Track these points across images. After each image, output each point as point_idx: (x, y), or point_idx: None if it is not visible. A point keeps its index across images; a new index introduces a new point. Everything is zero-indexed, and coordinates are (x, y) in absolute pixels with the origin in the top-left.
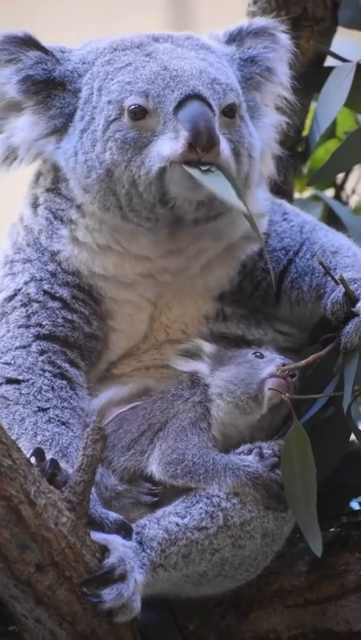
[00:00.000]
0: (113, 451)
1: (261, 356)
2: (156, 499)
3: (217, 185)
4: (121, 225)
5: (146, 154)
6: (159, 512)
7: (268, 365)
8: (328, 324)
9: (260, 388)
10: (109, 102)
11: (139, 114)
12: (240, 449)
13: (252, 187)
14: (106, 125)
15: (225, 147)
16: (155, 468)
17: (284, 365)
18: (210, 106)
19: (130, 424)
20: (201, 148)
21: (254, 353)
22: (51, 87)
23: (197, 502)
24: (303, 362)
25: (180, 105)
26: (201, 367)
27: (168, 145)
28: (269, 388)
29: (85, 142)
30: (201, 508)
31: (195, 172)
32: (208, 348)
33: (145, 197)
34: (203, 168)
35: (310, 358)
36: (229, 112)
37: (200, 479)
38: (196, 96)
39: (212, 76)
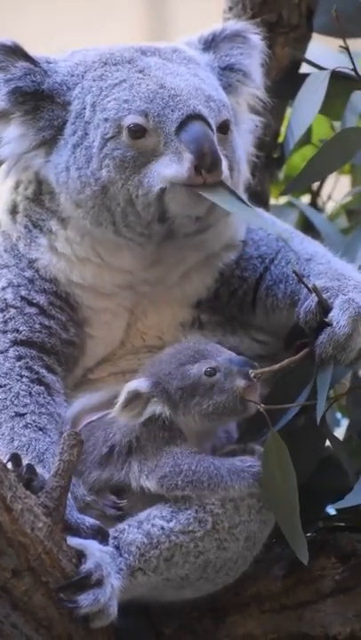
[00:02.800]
0: (85, 464)
1: (213, 371)
2: (120, 512)
3: (228, 203)
4: (112, 239)
5: (144, 173)
6: (142, 515)
7: (234, 379)
8: (302, 331)
9: (241, 401)
10: (106, 120)
11: (138, 133)
12: (226, 449)
13: (242, 195)
14: (102, 142)
15: (225, 166)
16: (148, 484)
17: (245, 369)
18: (209, 125)
19: (96, 438)
20: (206, 169)
21: (206, 372)
22: (39, 99)
23: (187, 509)
24: (277, 366)
25: (181, 125)
26: (155, 409)
27: (172, 167)
28: (249, 400)
29: (79, 158)
30: (190, 513)
31: (205, 193)
32: (145, 386)
33: (143, 215)
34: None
35: (284, 362)
36: (224, 128)
37: (204, 487)
38: (196, 116)
39: (207, 93)
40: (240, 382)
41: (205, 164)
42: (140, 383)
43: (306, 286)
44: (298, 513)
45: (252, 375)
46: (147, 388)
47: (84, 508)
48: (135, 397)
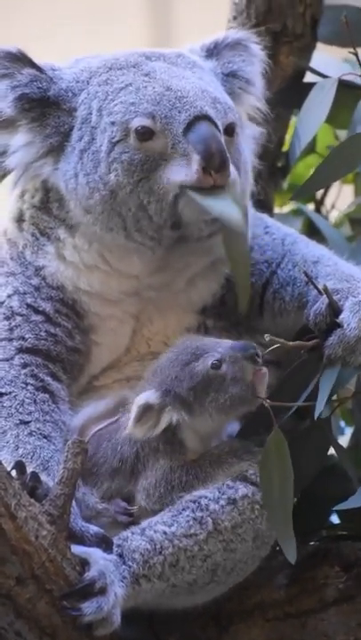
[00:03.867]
0: (97, 476)
1: (219, 363)
2: (132, 518)
3: (225, 210)
4: (123, 244)
5: (155, 179)
6: (144, 523)
7: (243, 365)
8: (310, 333)
9: (252, 387)
10: (113, 123)
11: (146, 135)
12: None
13: (248, 202)
14: (110, 147)
15: (232, 167)
16: (146, 504)
17: (250, 353)
18: (216, 126)
19: (105, 450)
20: (215, 169)
21: (212, 365)
22: (45, 106)
23: (184, 510)
24: (290, 343)
25: (189, 126)
26: (172, 418)
27: (181, 171)
28: (261, 384)
29: (87, 163)
30: (188, 515)
31: (205, 201)
32: (154, 397)
33: (155, 220)
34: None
35: (296, 343)
36: (230, 131)
37: (197, 489)
38: (203, 117)
39: (213, 95)
40: (249, 367)
41: (214, 164)
42: (149, 395)
43: (316, 288)
44: (291, 512)
45: (257, 355)
46: (157, 398)
47: (95, 517)
48: (147, 410)
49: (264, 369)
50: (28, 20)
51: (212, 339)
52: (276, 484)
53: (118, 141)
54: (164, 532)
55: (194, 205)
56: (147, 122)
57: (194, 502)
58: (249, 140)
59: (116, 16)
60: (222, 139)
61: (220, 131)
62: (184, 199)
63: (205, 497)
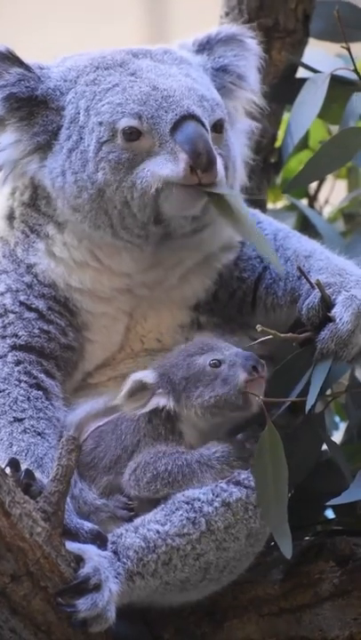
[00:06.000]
0: (95, 469)
1: (218, 363)
2: (132, 513)
3: (221, 207)
4: (110, 242)
5: (136, 173)
6: (138, 521)
7: (237, 371)
8: (302, 327)
9: (243, 397)
10: (100, 124)
11: (133, 135)
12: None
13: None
14: (98, 146)
15: (220, 165)
16: (134, 491)
17: (250, 363)
18: (203, 125)
19: (107, 443)
20: (201, 169)
21: (211, 363)
22: (33, 105)
23: (177, 509)
24: (281, 335)
25: (175, 126)
26: (159, 402)
27: (167, 166)
28: (254, 396)
29: (75, 162)
30: (181, 515)
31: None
32: (151, 377)
33: (139, 217)
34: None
35: (287, 335)
36: (218, 127)
37: (181, 484)
38: (190, 116)
39: (200, 92)
40: (242, 375)
41: (201, 163)
42: (146, 374)
43: (309, 282)
44: (286, 507)
45: (257, 369)
46: (153, 379)
47: (93, 512)
48: (140, 388)
49: (261, 380)
50: (20, 15)
51: (227, 343)
52: (270, 480)
53: (106, 141)
54: (158, 531)
55: (174, 200)
56: (134, 122)
57: (187, 503)
58: (240, 134)
59: (111, 13)
60: (209, 137)
61: (207, 129)
62: (164, 194)
63: (199, 499)
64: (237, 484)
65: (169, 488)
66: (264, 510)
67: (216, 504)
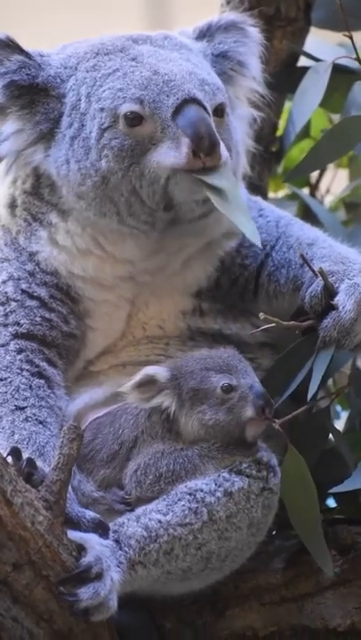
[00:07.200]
0: (93, 462)
1: (230, 389)
2: (130, 507)
3: (220, 197)
4: (116, 228)
5: (145, 163)
6: (139, 510)
7: (245, 405)
8: (305, 315)
9: (242, 429)
10: (102, 109)
11: (135, 120)
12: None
13: (240, 182)
14: (100, 133)
15: (223, 148)
16: (136, 492)
17: (260, 403)
18: (205, 108)
19: (105, 436)
20: (204, 152)
21: (223, 386)
22: (34, 93)
23: (179, 500)
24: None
25: (177, 110)
26: (164, 401)
27: (170, 154)
28: (252, 434)
29: (77, 150)
30: (183, 505)
31: (202, 179)
32: (164, 375)
33: (148, 204)
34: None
35: (291, 323)
36: (219, 112)
37: (184, 479)
38: (192, 100)
39: (201, 76)
40: (249, 412)
41: (203, 146)
42: (159, 370)
43: (312, 270)
44: (320, 525)
45: (265, 410)
46: (164, 378)
47: (91, 504)
48: (150, 382)
49: (265, 422)
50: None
51: (249, 368)
52: (301, 503)
53: (108, 127)
54: (159, 521)
55: (184, 185)
56: (135, 107)
57: (190, 494)
58: (241, 120)
59: (111, 7)
60: (211, 121)
61: (208, 113)
62: (174, 180)
63: (201, 490)
64: (239, 472)
65: (173, 486)
66: (300, 533)
67: (218, 494)
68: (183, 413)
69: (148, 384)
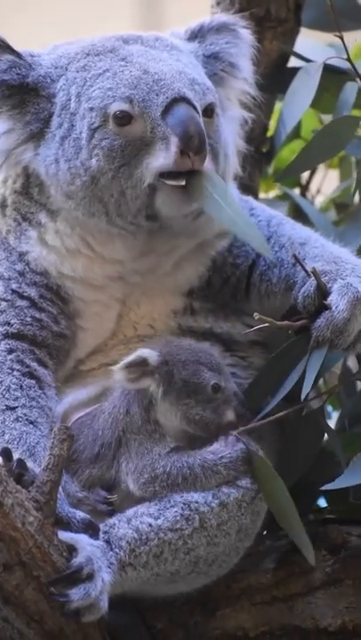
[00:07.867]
0: (77, 462)
1: (218, 389)
2: (112, 508)
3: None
4: (104, 229)
5: (135, 164)
6: (130, 512)
7: (226, 410)
8: (297, 315)
9: (215, 430)
10: (91, 109)
11: (124, 120)
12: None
13: (231, 183)
14: (90, 133)
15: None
16: (132, 488)
17: (240, 412)
18: (195, 108)
19: (85, 437)
20: (193, 151)
21: (213, 385)
22: (24, 92)
23: (172, 506)
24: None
25: (167, 109)
26: (150, 385)
27: (159, 156)
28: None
29: (67, 149)
30: (176, 511)
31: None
32: (155, 360)
33: (131, 206)
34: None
35: (284, 323)
36: (209, 112)
37: (181, 487)
38: (181, 99)
39: (191, 76)
40: (230, 415)
41: (192, 145)
42: (153, 354)
43: (305, 269)
44: (298, 519)
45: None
46: (155, 362)
47: (75, 505)
48: (141, 364)
49: (230, 438)
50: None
51: (230, 375)
52: (279, 502)
53: (98, 127)
54: (150, 524)
55: (168, 199)
56: (125, 106)
57: (184, 503)
58: (232, 121)
59: (106, 9)
60: (201, 120)
61: (198, 112)
62: (161, 194)
63: (197, 502)
64: (236, 486)
65: (168, 491)
66: (283, 524)
67: (213, 504)
68: (167, 401)
69: (139, 366)
